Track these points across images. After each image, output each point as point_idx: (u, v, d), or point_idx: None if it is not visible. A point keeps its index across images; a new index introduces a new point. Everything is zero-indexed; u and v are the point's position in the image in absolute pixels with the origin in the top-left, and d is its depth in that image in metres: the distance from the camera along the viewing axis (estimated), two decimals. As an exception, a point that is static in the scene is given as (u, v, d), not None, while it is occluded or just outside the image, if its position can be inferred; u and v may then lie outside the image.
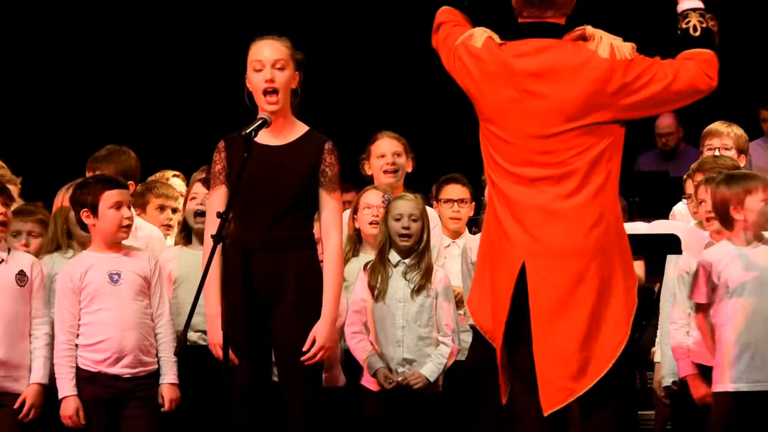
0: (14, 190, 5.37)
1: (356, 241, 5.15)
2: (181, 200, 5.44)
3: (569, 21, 3.78)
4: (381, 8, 8.39)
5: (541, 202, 3.66)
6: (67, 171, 5.44)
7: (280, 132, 4.23)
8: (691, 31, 3.70)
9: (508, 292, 3.71)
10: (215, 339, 4.09)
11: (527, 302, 3.67)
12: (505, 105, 3.67)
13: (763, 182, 4.44)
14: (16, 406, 4.47)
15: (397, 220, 4.90)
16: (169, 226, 5.42)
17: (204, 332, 4.57)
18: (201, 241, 4.57)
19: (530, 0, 3.74)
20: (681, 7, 3.72)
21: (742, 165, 5.27)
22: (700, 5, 3.73)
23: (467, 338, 4.97)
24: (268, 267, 4.24)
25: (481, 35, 3.74)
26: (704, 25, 3.71)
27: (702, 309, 4.46)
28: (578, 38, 3.68)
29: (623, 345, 3.62)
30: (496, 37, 3.72)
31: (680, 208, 5.42)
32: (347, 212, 5.18)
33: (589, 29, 3.69)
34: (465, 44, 3.72)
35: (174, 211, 5.44)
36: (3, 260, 4.43)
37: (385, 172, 5.42)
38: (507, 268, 3.72)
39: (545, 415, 3.65)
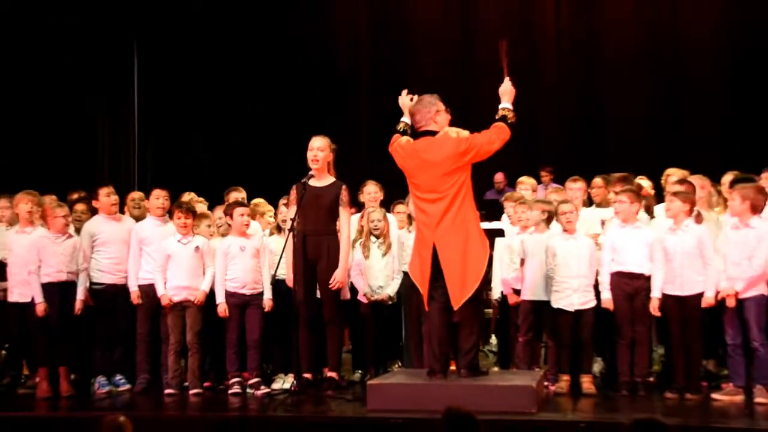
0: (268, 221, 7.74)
1: (362, 231, 7.85)
2: (270, 213, 7.92)
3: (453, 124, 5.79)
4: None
5: (437, 210, 5.60)
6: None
7: (321, 179, 6.83)
8: (496, 115, 5.63)
9: (428, 259, 5.64)
10: (291, 278, 6.78)
11: (439, 262, 5.60)
12: (415, 167, 5.73)
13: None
14: (195, 300, 7.00)
15: (371, 222, 7.57)
16: (266, 224, 8.04)
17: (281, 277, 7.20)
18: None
19: (411, 121, 5.75)
20: (501, 105, 5.65)
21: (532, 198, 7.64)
22: (509, 106, 5.60)
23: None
24: (314, 246, 6.66)
25: (405, 139, 5.90)
26: (504, 113, 5.61)
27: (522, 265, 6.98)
28: (442, 134, 5.66)
29: (484, 271, 5.52)
30: (411, 139, 5.91)
31: (505, 217, 7.84)
32: (356, 216, 7.87)
33: (447, 129, 5.65)
34: (398, 143, 5.95)
35: (269, 217, 8.13)
36: (190, 241, 7.31)
37: (370, 202, 7.99)
38: (426, 248, 5.68)
39: (455, 308, 5.43)
